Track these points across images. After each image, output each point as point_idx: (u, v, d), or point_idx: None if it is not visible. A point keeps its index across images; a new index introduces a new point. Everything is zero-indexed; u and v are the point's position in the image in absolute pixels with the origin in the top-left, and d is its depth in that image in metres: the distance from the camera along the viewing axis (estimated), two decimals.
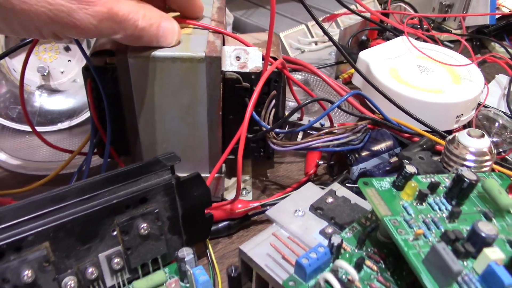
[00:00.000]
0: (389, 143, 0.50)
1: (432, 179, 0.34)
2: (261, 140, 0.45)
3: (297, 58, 0.72)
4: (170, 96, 0.40)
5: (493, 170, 0.39)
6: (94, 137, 0.43)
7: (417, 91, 0.50)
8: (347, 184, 0.47)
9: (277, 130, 0.43)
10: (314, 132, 0.46)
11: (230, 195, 0.48)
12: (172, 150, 0.41)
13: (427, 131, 0.49)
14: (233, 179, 0.50)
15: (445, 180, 0.34)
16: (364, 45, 0.67)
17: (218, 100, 0.40)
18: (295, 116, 0.51)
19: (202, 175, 0.44)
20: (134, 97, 0.40)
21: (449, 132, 0.52)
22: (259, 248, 0.35)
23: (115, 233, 0.34)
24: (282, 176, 0.51)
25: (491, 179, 0.33)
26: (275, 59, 0.42)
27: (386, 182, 0.33)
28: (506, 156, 0.51)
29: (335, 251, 0.31)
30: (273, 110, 0.43)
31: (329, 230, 0.36)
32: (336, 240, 0.31)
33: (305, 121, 0.52)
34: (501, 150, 0.53)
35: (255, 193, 0.49)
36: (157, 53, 0.38)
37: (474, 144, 0.37)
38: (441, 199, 0.32)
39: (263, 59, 0.41)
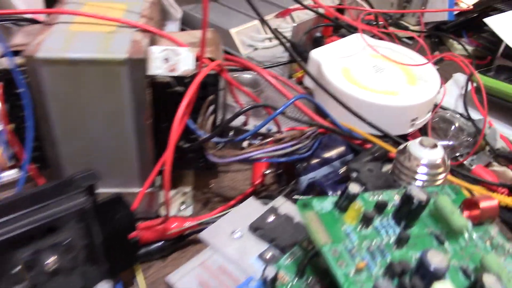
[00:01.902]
0: (341, 149, 0.46)
1: (380, 197, 0.31)
2: (201, 149, 0.41)
3: (250, 55, 0.68)
4: (90, 103, 0.35)
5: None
6: (6, 149, 0.38)
7: (370, 93, 0.47)
8: (294, 197, 0.43)
9: (216, 139, 0.39)
10: (258, 140, 0.42)
11: (171, 211, 0.44)
12: (97, 162, 0.36)
13: (380, 136, 0.46)
14: (172, 191, 0.45)
15: (395, 197, 0.31)
16: (318, 42, 0.63)
17: (146, 107, 0.36)
18: (240, 121, 0.47)
19: (133, 190, 0.40)
20: (49, 104, 0.35)
21: (404, 136, 0.49)
22: (187, 278, 0.31)
23: (18, 268, 0.29)
24: (226, 187, 0.47)
25: (443, 196, 0.30)
26: (212, 60, 0.38)
27: (328, 203, 0.29)
28: (464, 162, 0.49)
29: (270, 285, 0.27)
30: (212, 117, 0.39)
31: (268, 255, 0.33)
32: (270, 273, 0.27)
33: (252, 125, 0.48)
34: (457, 154, 0.50)
35: (196, 206, 0.44)
36: (71, 54, 0.33)
37: (426, 155, 0.33)
38: (389, 221, 0.29)
39: (197, 60, 0.37)
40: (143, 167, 0.39)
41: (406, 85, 0.50)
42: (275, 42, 0.71)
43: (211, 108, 0.39)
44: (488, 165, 0.50)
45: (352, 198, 0.28)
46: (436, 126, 0.52)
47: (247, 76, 0.57)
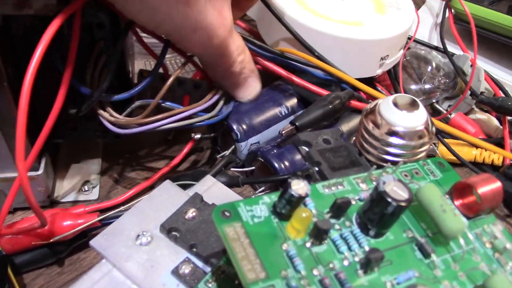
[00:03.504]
0: (292, 102, 0.36)
1: (339, 188, 0.21)
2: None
3: None
4: None
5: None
6: None
7: (328, 23, 0.36)
8: (232, 169, 0.34)
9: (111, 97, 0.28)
10: None
11: (68, 194, 0.33)
12: None
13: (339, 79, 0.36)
14: (74, 168, 0.34)
15: (360, 186, 0.22)
16: None
17: None
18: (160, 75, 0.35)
19: (8, 175, 0.30)
20: None
21: (370, 80, 0.39)
22: None
23: None
24: (147, 156, 0.37)
25: (430, 186, 0.21)
26: None
27: (262, 207, 0.19)
28: (449, 115, 0.40)
29: None
30: (105, 71, 0.28)
31: (186, 270, 0.23)
32: None
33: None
34: (434, 101, 0.41)
35: (106, 185, 0.34)
36: None
37: (403, 120, 0.24)
38: (352, 227, 0.20)
39: None
40: (14, 145, 0.28)
41: (373, 14, 0.39)
42: None
43: (102, 59, 0.27)
44: (469, 112, 0.42)
45: (297, 202, 0.18)
46: (409, 65, 0.42)
47: None
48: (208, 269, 0.23)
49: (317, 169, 0.23)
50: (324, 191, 0.21)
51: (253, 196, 0.33)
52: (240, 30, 0.44)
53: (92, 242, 0.24)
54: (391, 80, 0.42)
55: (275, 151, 0.32)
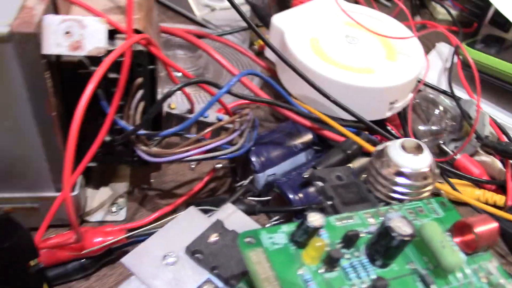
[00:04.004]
0: (307, 138, 0.39)
1: (350, 222, 0.24)
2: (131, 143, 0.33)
3: (206, 17, 0.59)
4: None
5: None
6: None
7: (341, 71, 0.39)
8: (249, 198, 0.36)
9: (145, 132, 0.31)
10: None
11: (97, 214, 0.36)
12: None
13: (352, 123, 0.39)
14: (103, 190, 0.37)
15: (369, 221, 0.24)
16: (284, 5, 0.54)
17: (47, 95, 0.27)
18: (186, 107, 0.38)
19: (46, 194, 0.32)
20: None
21: (381, 123, 0.42)
22: None
23: None
24: (170, 182, 0.39)
25: (432, 224, 0.23)
26: (138, 32, 0.29)
27: (281, 235, 0.22)
28: (454, 156, 0.42)
29: None
30: (141, 105, 0.31)
31: None
32: None
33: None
34: (441, 142, 0.44)
35: (132, 207, 0.37)
36: None
37: (409, 162, 0.26)
38: (361, 257, 0.22)
39: (114, 33, 0.28)
40: (55, 168, 0.31)
41: (384, 61, 0.42)
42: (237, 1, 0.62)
43: (140, 93, 0.30)
44: (474, 153, 0.44)
45: (312, 232, 0.21)
46: (418, 108, 0.45)
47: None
48: None
49: (330, 203, 0.26)
50: (336, 224, 0.23)
51: (268, 225, 0.36)
52: (260, 68, 0.47)
53: (123, 260, 0.27)
54: (400, 121, 0.44)
55: (290, 183, 0.34)
